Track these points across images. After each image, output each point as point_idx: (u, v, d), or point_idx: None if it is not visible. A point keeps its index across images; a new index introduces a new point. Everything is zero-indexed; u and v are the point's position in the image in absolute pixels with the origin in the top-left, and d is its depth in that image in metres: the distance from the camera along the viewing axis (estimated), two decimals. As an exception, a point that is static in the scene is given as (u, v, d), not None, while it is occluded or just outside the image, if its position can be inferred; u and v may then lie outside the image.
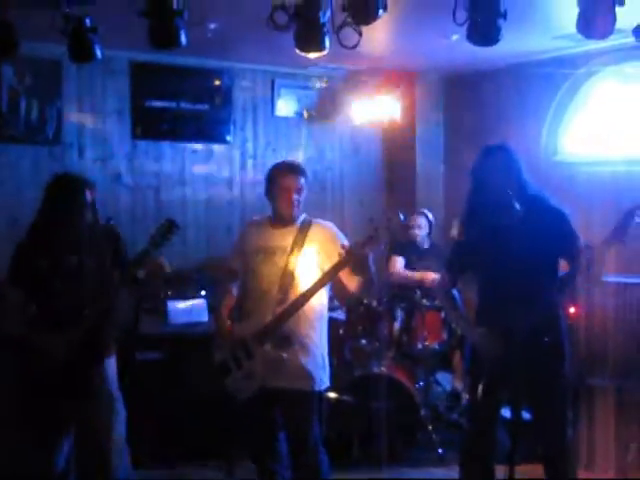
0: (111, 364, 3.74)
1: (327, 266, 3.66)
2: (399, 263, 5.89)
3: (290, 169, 3.83)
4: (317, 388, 3.76)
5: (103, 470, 3.69)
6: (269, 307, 3.69)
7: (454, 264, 3.86)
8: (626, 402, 4.69)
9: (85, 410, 3.64)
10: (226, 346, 3.79)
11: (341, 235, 3.81)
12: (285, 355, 3.66)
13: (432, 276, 5.45)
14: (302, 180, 3.79)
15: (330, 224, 3.88)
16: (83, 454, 3.78)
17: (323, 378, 3.80)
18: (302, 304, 3.64)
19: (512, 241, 3.31)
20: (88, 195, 3.62)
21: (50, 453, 3.68)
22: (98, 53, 3.89)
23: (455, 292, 3.82)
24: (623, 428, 4.70)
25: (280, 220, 3.83)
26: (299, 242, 3.74)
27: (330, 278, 3.64)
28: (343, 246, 3.54)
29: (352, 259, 3.50)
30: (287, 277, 3.70)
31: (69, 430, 3.70)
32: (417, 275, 5.70)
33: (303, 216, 3.85)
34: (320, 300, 3.75)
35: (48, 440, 3.68)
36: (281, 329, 3.66)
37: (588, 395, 4.72)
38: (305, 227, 3.80)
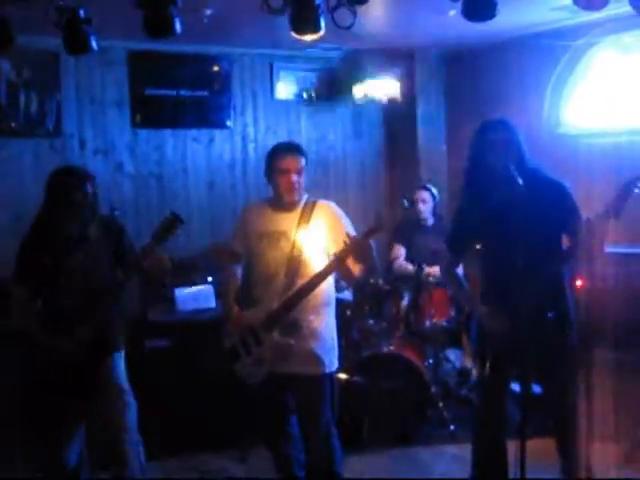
0: (120, 358, 3.76)
1: (333, 248, 3.66)
2: (400, 253, 5.89)
3: (289, 150, 3.79)
4: (327, 371, 3.77)
5: (118, 463, 3.74)
6: (277, 293, 3.70)
7: (456, 242, 3.86)
8: (627, 374, 4.71)
9: (97, 405, 3.67)
10: (235, 332, 3.80)
11: (344, 216, 3.81)
12: (293, 341, 3.68)
13: (435, 271, 5.46)
14: (302, 161, 3.75)
15: (333, 204, 3.86)
16: (97, 448, 3.82)
17: (333, 360, 3.81)
18: (309, 291, 3.65)
19: (514, 217, 3.28)
20: (89, 188, 3.61)
21: (62, 449, 3.71)
22: (94, 44, 3.88)
23: (459, 270, 3.83)
24: (622, 400, 4.72)
25: (281, 203, 3.80)
26: (303, 225, 3.73)
27: (335, 266, 3.62)
28: (348, 235, 3.52)
29: (355, 249, 3.50)
30: (293, 262, 3.69)
31: (80, 425, 3.74)
32: (425, 270, 5.67)
33: (306, 197, 3.83)
34: (327, 284, 3.74)
35: (59, 436, 3.71)
36: (289, 315, 3.68)
37: (588, 366, 4.73)
38: (308, 209, 3.77)
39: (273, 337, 3.68)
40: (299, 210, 3.78)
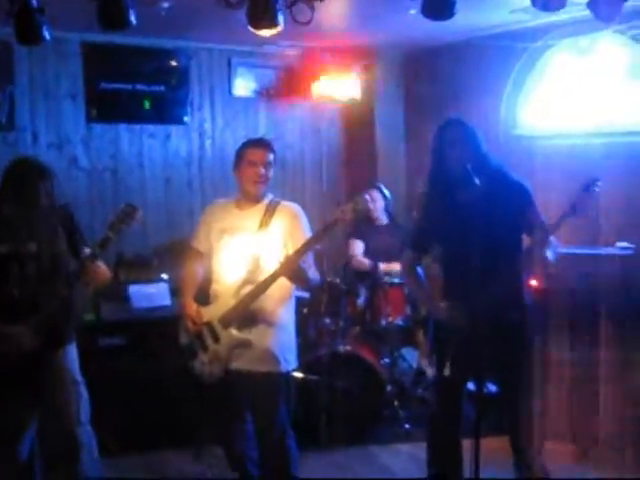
0: (72, 350, 3.70)
1: (291, 248, 3.66)
2: (358, 248, 5.89)
3: (258, 143, 3.82)
4: (284, 369, 3.76)
5: (71, 454, 3.67)
6: (234, 290, 3.69)
7: (417, 241, 3.85)
8: (581, 374, 4.76)
9: (48, 396, 3.60)
10: (192, 329, 3.77)
11: (304, 219, 3.81)
12: (251, 337, 3.65)
13: (395, 267, 5.46)
14: (270, 156, 3.77)
15: (296, 206, 3.86)
16: (49, 441, 3.75)
17: (290, 359, 3.80)
18: (263, 291, 3.63)
19: (473, 216, 3.29)
20: (47, 180, 3.56)
21: (13, 443, 3.64)
22: (46, 34, 3.77)
23: (419, 270, 3.82)
24: (576, 400, 4.77)
25: (246, 198, 3.80)
26: (265, 223, 3.72)
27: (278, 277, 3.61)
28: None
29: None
30: (253, 260, 3.68)
31: (32, 418, 3.66)
32: (382, 267, 5.68)
33: (270, 197, 3.83)
34: (286, 281, 3.73)
35: (10, 430, 3.63)
36: (246, 311, 3.66)
37: (544, 366, 4.78)
38: (271, 208, 3.77)
39: (231, 333, 3.66)
40: (262, 207, 3.78)
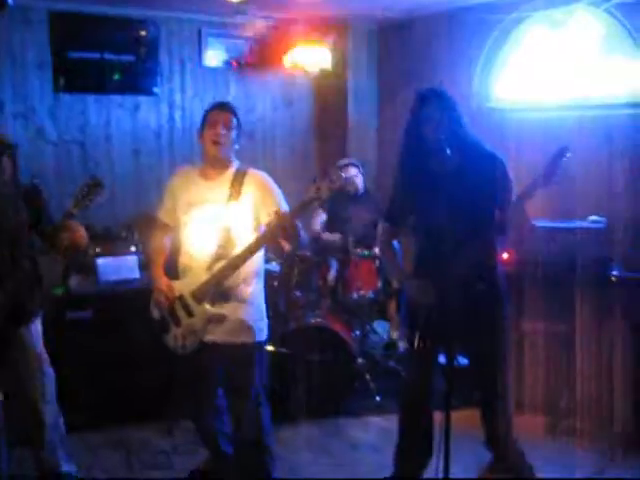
0: (37, 327, 3.62)
1: (263, 220, 3.60)
2: (318, 221, 5.87)
3: (219, 105, 3.73)
4: (257, 339, 3.73)
5: (38, 432, 3.62)
6: (207, 264, 3.63)
7: (393, 213, 3.83)
8: (555, 346, 4.79)
9: (13, 375, 3.54)
10: (164, 304, 3.72)
11: (275, 187, 3.72)
12: (224, 311, 3.63)
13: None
14: (232, 117, 3.67)
15: (264, 174, 3.76)
16: (16, 419, 3.69)
17: (263, 329, 3.77)
18: (241, 264, 3.58)
19: (446, 188, 3.26)
20: (5, 156, 3.45)
21: None
22: (10, 0, 3.68)
23: (395, 243, 3.80)
24: (552, 372, 4.80)
25: (211, 165, 3.70)
26: (234, 194, 3.64)
27: (265, 240, 3.56)
28: (276, 212, 3.44)
29: (282, 229, 3.43)
30: (224, 232, 3.62)
31: None
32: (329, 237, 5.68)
33: (236, 164, 3.73)
34: (256, 255, 3.67)
35: None
36: (220, 287, 3.62)
37: (518, 339, 4.79)
38: (239, 177, 3.67)
39: (205, 307, 3.62)
40: (229, 179, 3.68)
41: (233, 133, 3.67)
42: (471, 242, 3.38)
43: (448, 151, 3.27)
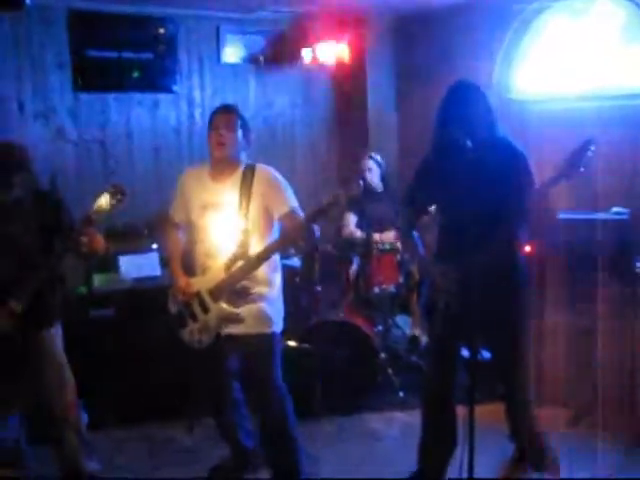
0: (57, 332, 3.64)
1: (277, 213, 3.67)
2: (351, 221, 5.84)
3: (220, 108, 3.80)
4: (277, 330, 3.78)
5: (58, 435, 3.65)
6: (225, 262, 3.67)
7: (415, 201, 3.83)
8: (578, 338, 4.75)
9: (32, 380, 3.55)
10: (181, 299, 3.76)
11: (284, 183, 3.76)
12: (240, 311, 3.66)
13: (389, 237, 5.44)
14: (234, 118, 3.72)
15: (272, 170, 3.80)
16: (35, 424, 3.72)
17: (278, 321, 3.81)
18: (256, 266, 3.63)
19: (470, 180, 3.26)
20: (18, 161, 3.46)
21: (1, 421, 3.61)
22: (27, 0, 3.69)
23: (414, 233, 3.80)
24: (574, 364, 4.76)
25: (218, 167, 3.75)
26: (246, 194, 3.67)
27: (280, 246, 3.67)
28: (291, 217, 3.58)
29: (296, 235, 3.58)
30: (240, 233, 3.65)
31: (17, 398, 3.62)
32: (376, 237, 5.64)
33: (244, 163, 3.77)
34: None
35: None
36: (237, 285, 3.65)
37: (540, 331, 4.76)
38: (248, 175, 3.72)
39: (221, 306, 3.67)
40: (239, 179, 3.72)
41: (237, 134, 3.71)
42: (493, 232, 3.36)
43: (469, 143, 3.26)
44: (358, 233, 5.69)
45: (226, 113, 3.74)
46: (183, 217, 3.90)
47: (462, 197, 3.27)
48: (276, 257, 3.79)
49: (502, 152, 3.53)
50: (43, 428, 3.68)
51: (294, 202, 3.71)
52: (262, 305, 3.71)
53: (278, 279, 3.83)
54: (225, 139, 3.67)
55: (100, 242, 3.58)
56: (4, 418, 3.62)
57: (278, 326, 3.80)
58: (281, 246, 3.71)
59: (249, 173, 3.72)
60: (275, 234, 3.78)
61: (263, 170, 3.77)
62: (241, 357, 3.83)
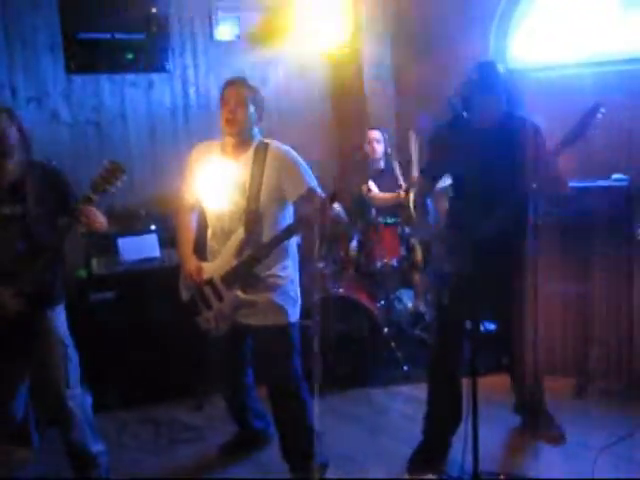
0: (61, 312, 3.62)
1: (291, 195, 3.54)
2: (374, 187, 5.78)
3: (230, 82, 3.62)
4: (292, 320, 3.66)
5: (63, 419, 3.64)
6: (235, 247, 3.56)
7: (429, 169, 3.84)
8: (585, 307, 4.73)
9: (37, 360, 3.55)
10: (194, 286, 3.68)
11: (298, 160, 3.61)
12: (255, 297, 3.58)
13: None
14: (243, 92, 3.56)
15: (286, 149, 3.64)
16: (40, 404, 3.72)
17: (296, 311, 3.70)
18: (269, 253, 3.53)
19: (486, 151, 3.33)
20: (13, 129, 3.41)
21: (5, 404, 3.61)
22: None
23: (428, 200, 3.79)
24: (581, 333, 4.75)
25: (230, 144, 3.61)
26: (257, 174, 3.53)
27: (295, 232, 3.55)
28: (308, 199, 3.43)
29: (317, 217, 3.38)
30: (251, 215, 3.52)
31: (23, 380, 3.62)
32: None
33: (257, 140, 3.63)
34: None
35: (4, 389, 3.60)
36: (250, 273, 3.56)
37: (547, 299, 4.74)
38: (260, 153, 3.57)
39: (235, 293, 3.57)
40: (251, 157, 3.58)
41: (248, 109, 3.56)
42: (505, 205, 3.38)
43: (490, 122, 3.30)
44: (389, 195, 5.63)
45: (235, 87, 3.56)
46: (194, 196, 3.74)
47: (476, 168, 3.31)
48: (292, 242, 3.67)
49: (518, 127, 3.56)
50: (49, 409, 3.68)
51: (312, 181, 3.55)
52: (276, 294, 3.60)
53: (293, 266, 3.71)
54: (232, 115, 3.52)
55: (101, 222, 3.51)
56: (12, 398, 3.60)
57: (294, 315, 3.68)
58: (296, 231, 3.56)
59: (261, 151, 3.57)
60: (288, 217, 3.65)
61: (277, 148, 3.61)
62: (256, 348, 3.77)
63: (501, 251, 3.41)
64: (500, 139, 3.44)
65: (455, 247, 3.48)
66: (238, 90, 3.56)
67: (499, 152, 3.36)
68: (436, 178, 3.85)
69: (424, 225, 3.96)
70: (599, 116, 3.31)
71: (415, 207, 4.29)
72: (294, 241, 3.73)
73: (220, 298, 3.61)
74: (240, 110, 3.53)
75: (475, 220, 3.25)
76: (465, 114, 3.48)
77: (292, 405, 3.71)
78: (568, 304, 4.75)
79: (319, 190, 3.52)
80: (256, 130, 3.64)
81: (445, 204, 3.81)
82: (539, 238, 4.53)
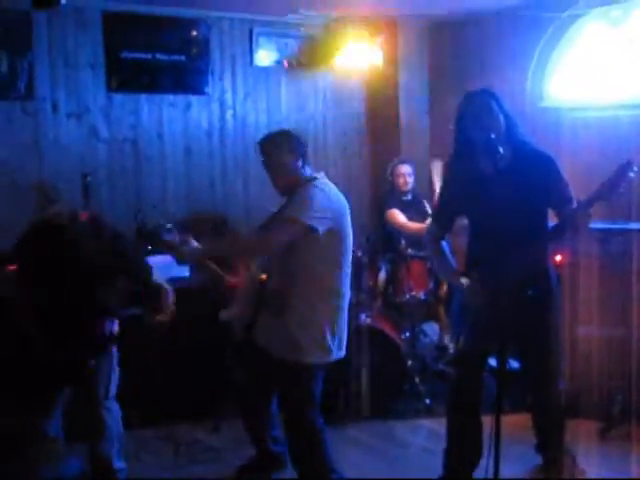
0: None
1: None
2: (400, 216, 5.78)
3: (258, 144, 3.71)
4: (308, 361, 3.57)
5: (99, 425, 3.65)
6: (275, 273, 3.67)
7: (441, 215, 3.78)
8: (610, 350, 4.68)
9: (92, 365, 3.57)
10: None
11: (300, 195, 3.56)
12: (276, 323, 3.59)
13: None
14: (267, 152, 3.63)
15: (308, 186, 3.58)
16: (76, 411, 3.73)
17: (316, 351, 3.58)
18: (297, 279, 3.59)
19: (499, 188, 3.23)
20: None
21: (44, 418, 3.60)
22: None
23: (444, 243, 3.74)
24: (606, 378, 4.69)
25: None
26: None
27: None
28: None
29: None
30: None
31: (63, 393, 3.62)
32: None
33: (304, 179, 3.63)
34: (330, 274, 3.62)
35: (43, 405, 3.59)
36: (280, 298, 3.58)
37: (572, 344, 4.70)
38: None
39: (265, 315, 3.64)
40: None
41: (276, 167, 3.62)
42: (524, 243, 3.30)
43: (501, 150, 3.21)
44: (417, 226, 5.60)
45: (261, 151, 3.66)
46: None
47: (490, 206, 3.25)
48: (331, 280, 3.62)
49: (530, 157, 3.48)
50: (85, 417, 3.68)
51: (292, 212, 3.50)
52: (298, 328, 3.55)
53: (328, 304, 3.62)
54: (273, 179, 3.66)
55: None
56: (51, 412, 3.59)
57: (314, 356, 3.58)
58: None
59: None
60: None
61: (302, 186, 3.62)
62: (276, 379, 3.75)
63: (524, 288, 3.37)
64: (513, 172, 3.34)
65: (476, 285, 3.46)
66: (263, 154, 3.65)
67: (514, 186, 3.26)
68: (449, 223, 3.74)
69: (442, 267, 3.88)
70: (631, 174, 3.22)
71: (430, 252, 4.14)
72: (336, 282, 3.67)
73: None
74: (269, 171, 3.66)
75: (495, 258, 3.19)
76: (466, 148, 3.47)
77: (301, 447, 3.74)
78: (600, 346, 4.70)
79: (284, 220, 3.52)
80: (299, 171, 3.63)
81: (464, 239, 3.77)
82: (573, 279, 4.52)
